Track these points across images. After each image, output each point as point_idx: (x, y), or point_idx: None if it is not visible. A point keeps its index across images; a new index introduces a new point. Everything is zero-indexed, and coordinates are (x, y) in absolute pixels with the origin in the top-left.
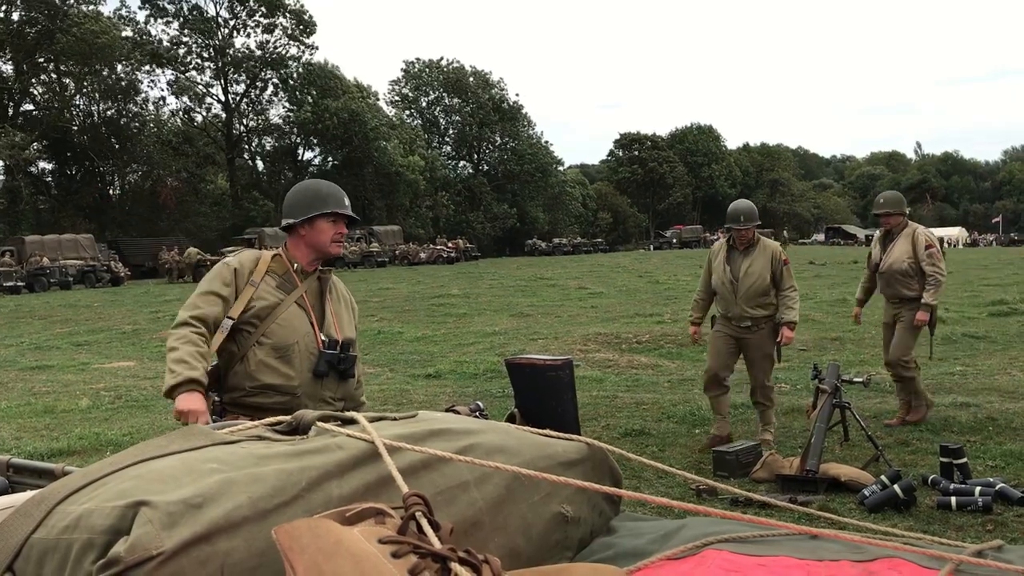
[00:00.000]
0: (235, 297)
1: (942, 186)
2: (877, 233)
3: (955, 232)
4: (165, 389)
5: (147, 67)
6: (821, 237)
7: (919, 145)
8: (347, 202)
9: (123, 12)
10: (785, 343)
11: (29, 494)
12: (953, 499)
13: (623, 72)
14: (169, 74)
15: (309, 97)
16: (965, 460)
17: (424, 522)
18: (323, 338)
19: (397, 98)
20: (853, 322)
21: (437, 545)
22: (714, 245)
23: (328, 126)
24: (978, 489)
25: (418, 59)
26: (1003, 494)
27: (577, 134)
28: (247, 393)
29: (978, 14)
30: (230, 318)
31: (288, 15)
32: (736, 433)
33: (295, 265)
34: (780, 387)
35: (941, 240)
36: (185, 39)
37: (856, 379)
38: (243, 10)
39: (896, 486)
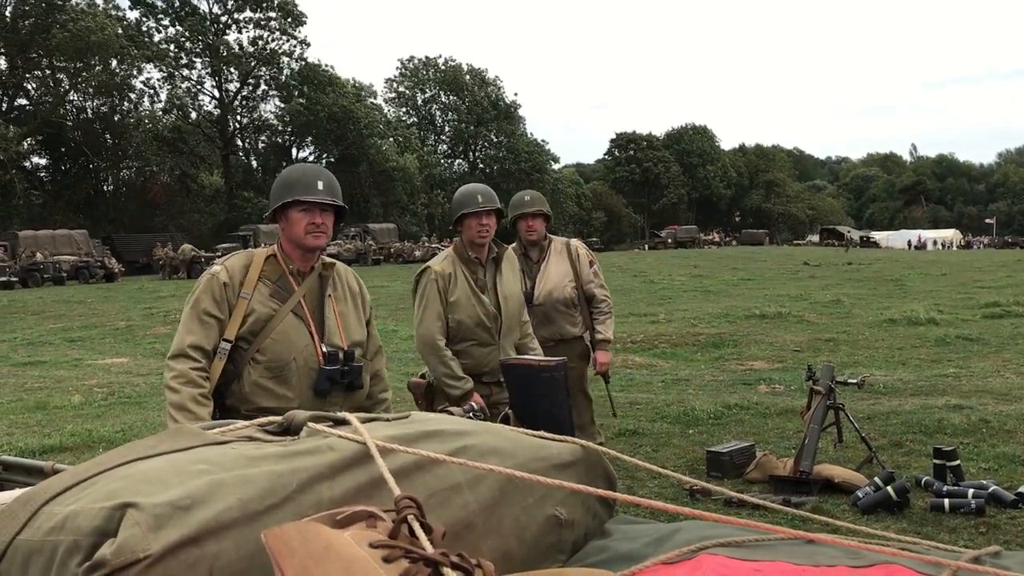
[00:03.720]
0: (228, 314)
1: (936, 188)
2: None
3: (949, 234)
4: None
5: (141, 64)
6: (815, 238)
7: (914, 147)
8: (320, 185)
9: (111, 11)
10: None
11: (17, 492)
12: (946, 501)
13: (620, 71)
14: (163, 71)
15: (298, 93)
16: (958, 462)
17: (416, 525)
18: (324, 350)
19: (393, 95)
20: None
21: (429, 549)
22: (434, 267)
23: (321, 119)
24: (971, 491)
25: (414, 57)
26: (996, 496)
27: (574, 134)
28: (243, 416)
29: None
30: (227, 340)
31: (276, 8)
32: (730, 434)
33: (290, 266)
34: (774, 388)
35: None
36: (178, 36)
37: (850, 380)
38: (234, 5)
39: (889, 488)
